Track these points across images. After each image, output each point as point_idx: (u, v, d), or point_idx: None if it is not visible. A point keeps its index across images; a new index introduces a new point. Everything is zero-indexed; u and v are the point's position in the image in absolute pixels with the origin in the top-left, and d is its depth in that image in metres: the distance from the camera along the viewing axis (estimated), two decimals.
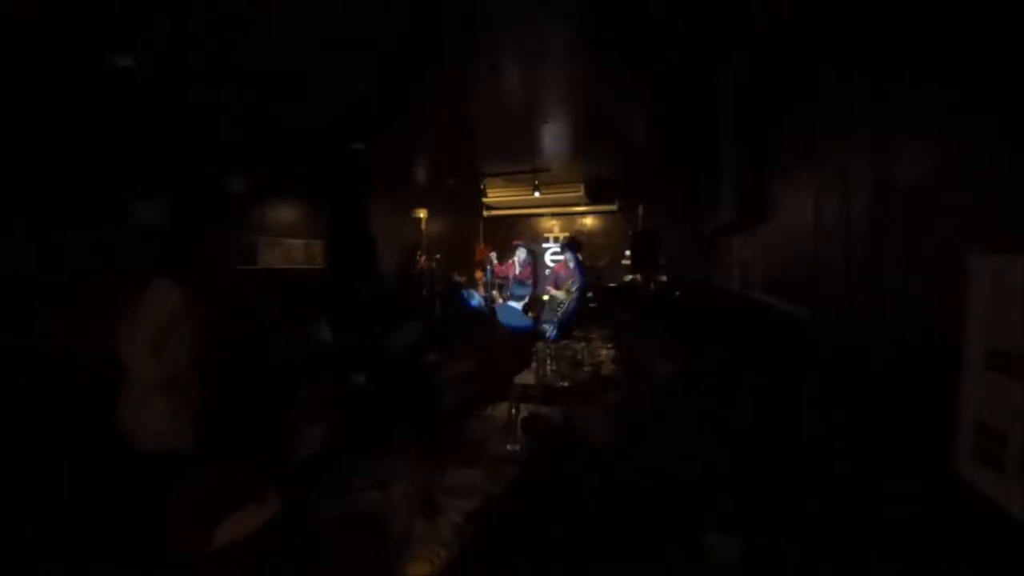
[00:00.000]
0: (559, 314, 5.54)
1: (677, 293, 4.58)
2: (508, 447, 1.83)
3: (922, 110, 0.91)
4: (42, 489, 2.20)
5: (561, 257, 6.27)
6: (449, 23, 2.67)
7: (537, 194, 7.20)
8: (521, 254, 6.69)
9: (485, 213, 8.46)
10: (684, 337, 2.03)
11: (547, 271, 6.77)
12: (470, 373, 2.43)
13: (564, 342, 3.69)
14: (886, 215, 1.03)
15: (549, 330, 4.10)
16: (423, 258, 7.05)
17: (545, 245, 8.45)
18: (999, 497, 0.65)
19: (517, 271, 6.28)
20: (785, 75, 1.96)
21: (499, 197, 7.90)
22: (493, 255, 7.48)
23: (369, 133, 4.90)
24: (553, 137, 5.08)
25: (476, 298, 4.14)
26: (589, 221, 8.42)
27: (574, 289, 5.68)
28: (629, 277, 6.61)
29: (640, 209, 7.29)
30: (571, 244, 6.02)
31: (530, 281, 6.09)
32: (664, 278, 5.97)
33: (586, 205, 7.95)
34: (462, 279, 7.12)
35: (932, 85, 0.87)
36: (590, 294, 5.99)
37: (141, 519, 1.86)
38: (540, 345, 3.22)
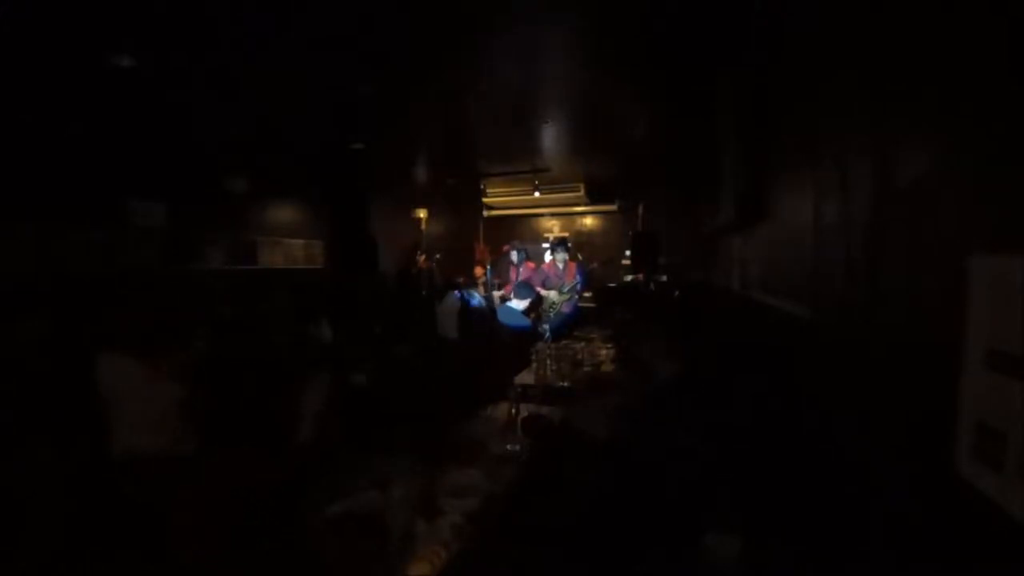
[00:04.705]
0: (551, 316, 5.50)
1: (677, 293, 4.58)
2: (508, 447, 1.83)
3: (922, 110, 0.91)
4: (39, 491, 2.20)
5: (550, 257, 6.18)
6: (449, 23, 2.67)
7: (537, 194, 7.19)
8: (514, 257, 6.61)
9: (485, 213, 8.46)
10: (684, 337, 2.03)
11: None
12: (468, 371, 2.43)
13: (564, 342, 3.68)
14: (886, 215, 1.03)
15: (546, 331, 4.11)
16: (423, 258, 7.04)
17: (544, 245, 8.44)
18: (999, 497, 0.65)
19: (521, 273, 6.23)
20: (785, 75, 1.96)
21: (499, 197, 7.89)
22: (488, 268, 7.40)
23: (369, 133, 4.90)
24: (553, 137, 5.07)
25: (476, 298, 4.13)
26: (589, 221, 8.42)
27: (566, 291, 5.66)
28: (629, 277, 6.60)
29: (640, 209, 7.29)
30: (560, 243, 5.92)
31: (531, 279, 6.04)
32: (664, 278, 5.96)
33: (586, 205, 7.94)
34: (461, 279, 7.10)
35: (932, 85, 0.87)
36: (588, 294, 5.96)
37: (142, 521, 1.86)
38: (540, 345, 3.21)
